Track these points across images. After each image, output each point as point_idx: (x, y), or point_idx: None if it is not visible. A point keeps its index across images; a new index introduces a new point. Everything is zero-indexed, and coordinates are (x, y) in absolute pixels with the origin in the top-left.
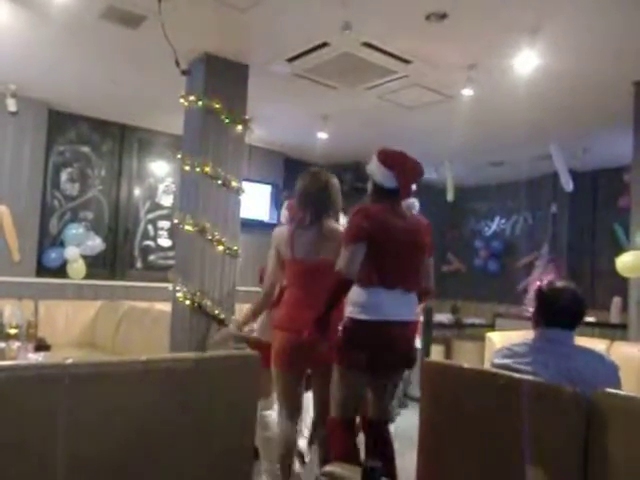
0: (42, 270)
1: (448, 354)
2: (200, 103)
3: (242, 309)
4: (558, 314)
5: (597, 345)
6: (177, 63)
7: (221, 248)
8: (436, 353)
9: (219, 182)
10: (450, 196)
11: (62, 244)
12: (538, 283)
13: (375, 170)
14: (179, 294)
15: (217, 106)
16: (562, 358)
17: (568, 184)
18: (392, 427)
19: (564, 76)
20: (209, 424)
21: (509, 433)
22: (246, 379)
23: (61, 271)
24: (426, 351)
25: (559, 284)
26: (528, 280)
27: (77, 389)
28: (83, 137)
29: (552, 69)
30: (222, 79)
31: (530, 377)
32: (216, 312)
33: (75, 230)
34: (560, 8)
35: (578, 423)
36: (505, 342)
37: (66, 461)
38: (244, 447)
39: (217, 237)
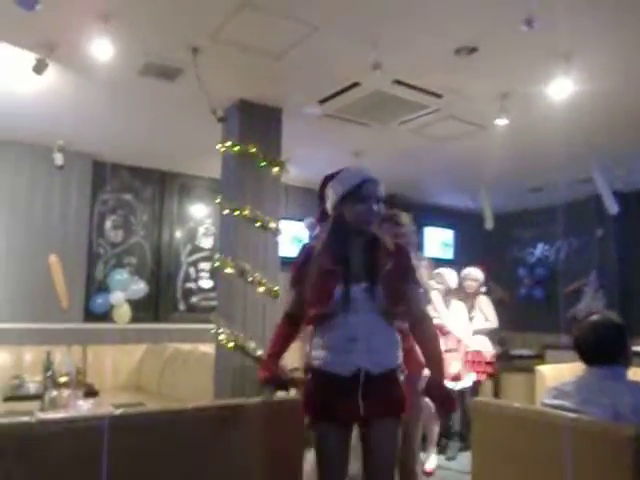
0: (89, 315)
1: (496, 388)
2: (236, 148)
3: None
4: (589, 350)
5: None
6: (213, 112)
7: (262, 289)
8: (484, 387)
9: (257, 224)
10: (489, 224)
11: (107, 289)
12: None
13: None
14: (222, 337)
15: (253, 150)
16: (613, 395)
17: (612, 207)
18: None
19: (602, 98)
20: (255, 471)
21: (562, 475)
22: (292, 425)
23: (107, 316)
24: (474, 386)
25: (592, 318)
26: (577, 307)
27: (124, 438)
28: (125, 185)
29: (589, 92)
30: (257, 123)
31: (579, 416)
32: (259, 354)
33: (120, 275)
34: (592, 31)
35: (636, 463)
36: (557, 376)
37: None
38: None
39: (257, 278)
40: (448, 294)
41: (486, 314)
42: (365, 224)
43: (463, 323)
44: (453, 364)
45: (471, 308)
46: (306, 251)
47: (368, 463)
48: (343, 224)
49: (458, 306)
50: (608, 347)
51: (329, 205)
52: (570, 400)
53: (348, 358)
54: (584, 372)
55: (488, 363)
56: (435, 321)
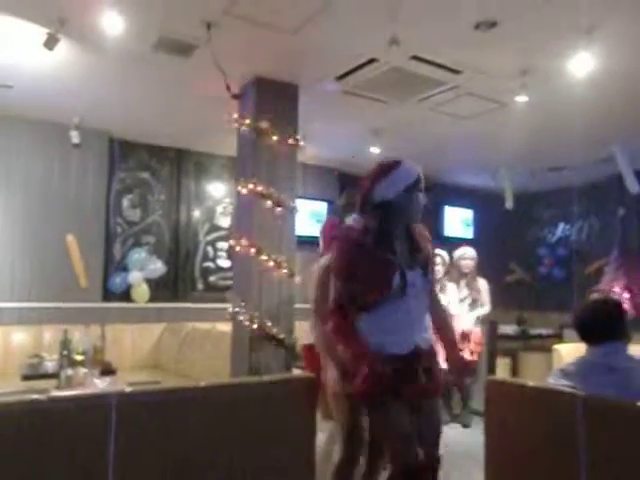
0: (108, 295)
1: (514, 367)
2: (252, 126)
3: (302, 327)
4: (588, 329)
5: None
6: (228, 88)
7: (278, 268)
8: (502, 366)
9: (273, 202)
10: (509, 204)
11: (126, 269)
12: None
13: None
14: (240, 316)
15: (268, 127)
16: (614, 373)
17: (633, 186)
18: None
19: (625, 75)
20: (266, 448)
21: (576, 453)
22: (305, 403)
23: (126, 295)
24: (491, 365)
25: (590, 298)
26: (597, 287)
27: (133, 416)
28: (142, 164)
29: (611, 68)
30: (273, 100)
31: (587, 394)
32: (275, 331)
33: (138, 255)
34: (615, 6)
35: None
36: (574, 354)
37: None
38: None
39: (273, 257)
40: (446, 274)
41: (481, 299)
42: (420, 213)
43: (454, 304)
44: None
45: (465, 289)
46: (354, 244)
47: (423, 435)
48: (398, 214)
49: (451, 288)
50: (605, 324)
51: (382, 194)
52: (571, 380)
53: (407, 338)
54: (585, 352)
55: (477, 343)
56: None
